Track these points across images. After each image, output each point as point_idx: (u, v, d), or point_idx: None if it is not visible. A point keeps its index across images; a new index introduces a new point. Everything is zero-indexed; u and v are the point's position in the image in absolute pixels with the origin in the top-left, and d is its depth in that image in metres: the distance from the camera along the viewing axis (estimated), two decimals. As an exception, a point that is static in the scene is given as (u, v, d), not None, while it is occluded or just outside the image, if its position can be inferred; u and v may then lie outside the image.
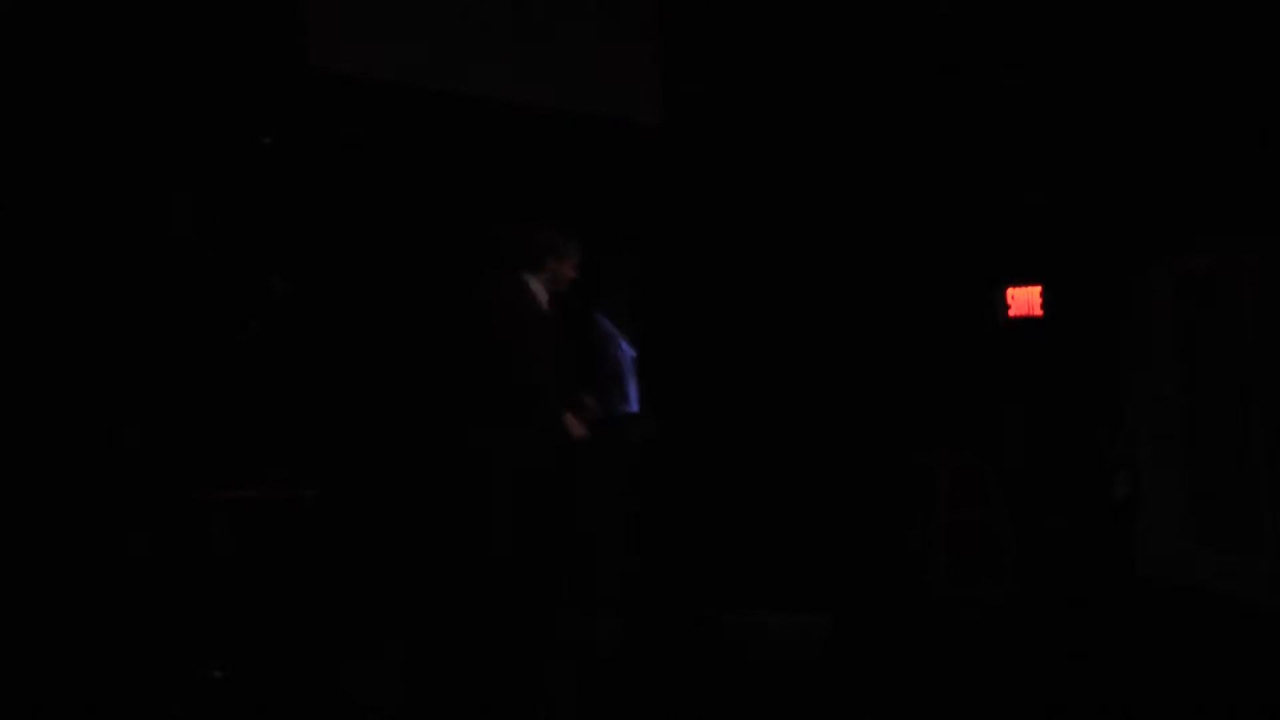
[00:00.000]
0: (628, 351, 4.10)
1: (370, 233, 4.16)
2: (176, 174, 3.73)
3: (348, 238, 4.11)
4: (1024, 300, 4.94)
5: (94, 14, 3.57)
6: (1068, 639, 3.77)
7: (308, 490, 3.53)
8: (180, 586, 3.31)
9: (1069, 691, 3.22)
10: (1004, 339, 4.99)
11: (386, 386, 4.10)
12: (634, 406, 4.08)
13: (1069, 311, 4.86)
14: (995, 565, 4.55)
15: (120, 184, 3.62)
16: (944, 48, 4.88)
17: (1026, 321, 4.95)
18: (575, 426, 3.39)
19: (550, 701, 3.15)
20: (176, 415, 3.65)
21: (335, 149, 4.12)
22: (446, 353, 3.83)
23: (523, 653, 3.27)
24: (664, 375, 4.35)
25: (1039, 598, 4.37)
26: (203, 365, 3.74)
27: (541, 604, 3.41)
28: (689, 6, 4.94)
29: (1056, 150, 4.77)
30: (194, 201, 3.76)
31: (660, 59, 4.90)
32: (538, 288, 3.49)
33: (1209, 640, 3.77)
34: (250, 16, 3.84)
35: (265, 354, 3.85)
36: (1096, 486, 4.66)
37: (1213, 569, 4.19)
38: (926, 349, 5.05)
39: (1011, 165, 4.93)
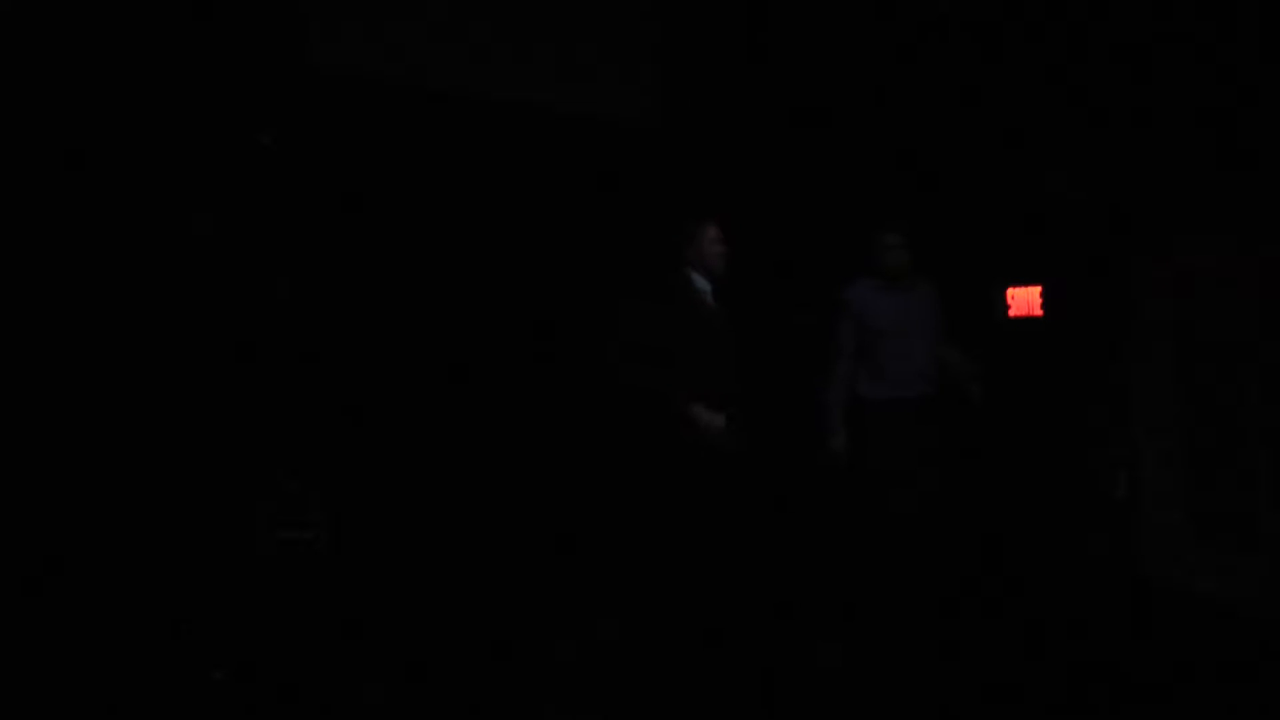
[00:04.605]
0: None
1: (372, 233, 4.17)
2: (175, 174, 3.74)
3: (349, 239, 4.12)
4: (1024, 300, 4.94)
5: (91, 10, 3.58)
6: (1066, 638, 3.78)
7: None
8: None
9: (1068, 691, 3.23)
10: (1004, 338, 4.99)
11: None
12: None
13: (1069, 311, 4.86)
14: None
15: (117, 183, 3.63)
16: (943, 47, 4.89)
17: (1027, 321, 4.95)
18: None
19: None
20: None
21: (335, 148, 4.12)
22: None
23: None
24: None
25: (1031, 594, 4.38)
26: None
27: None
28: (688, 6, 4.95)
29: (1056, 149, 4.78)
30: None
31: (660, 58, 4.91)
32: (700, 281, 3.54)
33: (1208, 640, 3.78)
34: (249, 12, 3.85)
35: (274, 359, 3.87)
36: (1096, 486, 4.66)
37: (1212, 569, 4.19)
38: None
39: (1011, 164, 4.93)
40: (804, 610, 4.07)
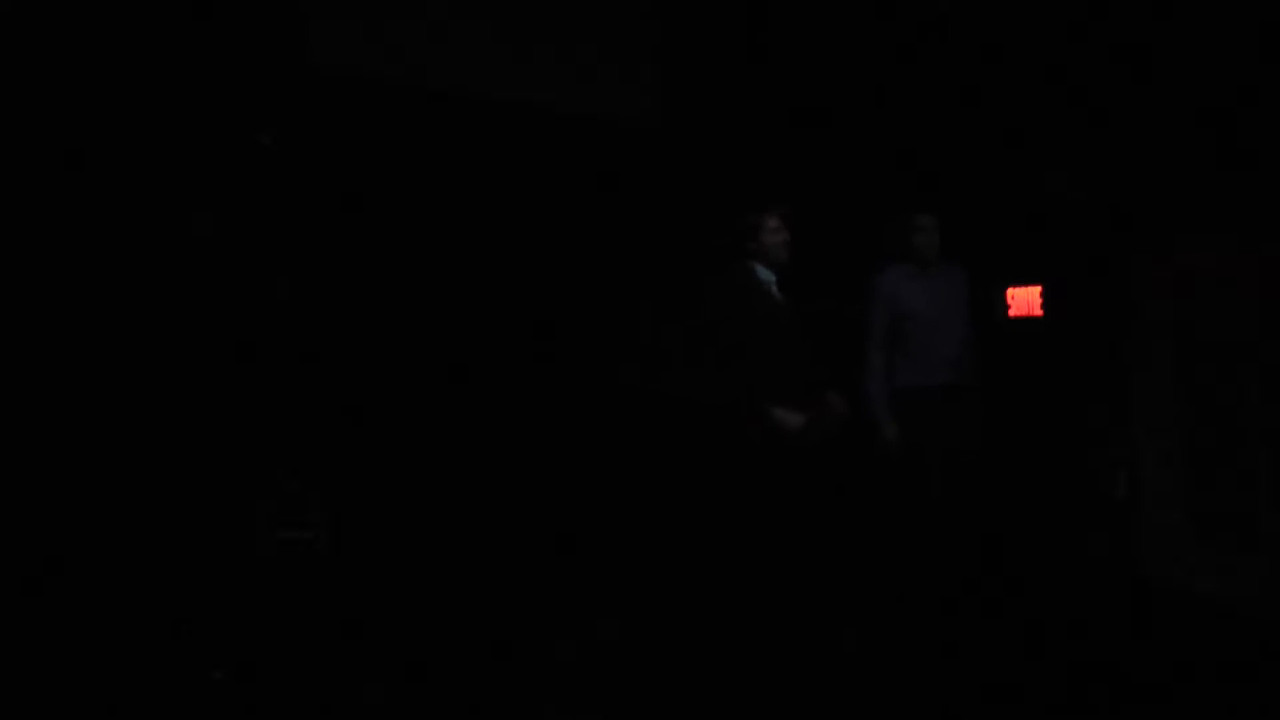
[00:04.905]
0: None
1: (371, 233, 4.17)
2: (175, 174, 3.74)
3: (349, 239, 4.12)
4: (1024, 300, 4.94)
5: (91, 9, 3.57)
6: (1066, 638, 3.78)
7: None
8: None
9: (1069, 691, 3.23)
10: (1004, 338, 4.99)
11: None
12: None
13: (1069, 311, 4.85)
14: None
15: (117, 183, 3.63)
16: (943, 47, 4.88)
17: (1027, 321, 4.95)
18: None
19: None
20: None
21: (335, 148, 4.12)
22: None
23: None
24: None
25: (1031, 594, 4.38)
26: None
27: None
28: (688, 6, 4.95)
29: (1056, 149, 4.77)
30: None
31: (660, 58, 4.91)
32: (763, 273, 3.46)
33: (1208, 640, 3.78)
34: (249, 12, 3.85)
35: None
36: (1096, 486, 4.65)
37: (1212, 569, 4.19)
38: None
39: (1011, 164, 4.93)
40: (808, 608, 4.06)
